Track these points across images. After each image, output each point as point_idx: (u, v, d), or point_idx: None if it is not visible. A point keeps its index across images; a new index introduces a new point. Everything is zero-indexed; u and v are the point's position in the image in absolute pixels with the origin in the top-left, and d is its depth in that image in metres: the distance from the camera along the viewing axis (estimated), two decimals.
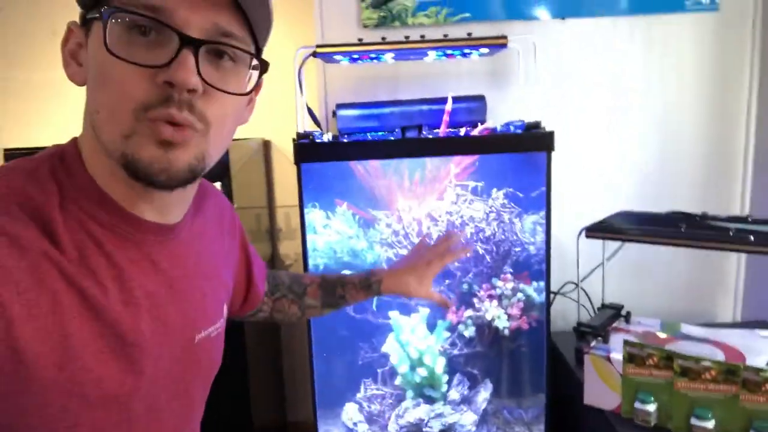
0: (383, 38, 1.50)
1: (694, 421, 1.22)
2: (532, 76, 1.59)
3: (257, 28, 0.59)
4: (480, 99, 1.75)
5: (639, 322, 1.58)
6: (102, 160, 0.57)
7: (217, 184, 2.07)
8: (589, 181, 1.87)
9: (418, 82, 1.85)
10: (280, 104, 2.17)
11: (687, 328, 1.51)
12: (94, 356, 0.53)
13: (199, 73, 0.53)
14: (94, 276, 0.54)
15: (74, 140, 0.60)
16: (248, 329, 1.89)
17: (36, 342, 0.48)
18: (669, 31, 1.82)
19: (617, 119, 1.86)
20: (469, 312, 1.56)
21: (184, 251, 0.65)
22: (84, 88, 0.58)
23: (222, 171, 2.11)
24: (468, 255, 1.52)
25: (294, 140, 1.46)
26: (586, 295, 1.77)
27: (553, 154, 1.66)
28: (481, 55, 1.66)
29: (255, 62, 0.60)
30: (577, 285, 1.60)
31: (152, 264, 0.60)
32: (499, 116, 1.81)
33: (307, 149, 1.37)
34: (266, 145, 2.45)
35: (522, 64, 1.66)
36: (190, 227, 0.67)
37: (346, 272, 1.04)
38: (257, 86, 0.64)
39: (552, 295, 1.79)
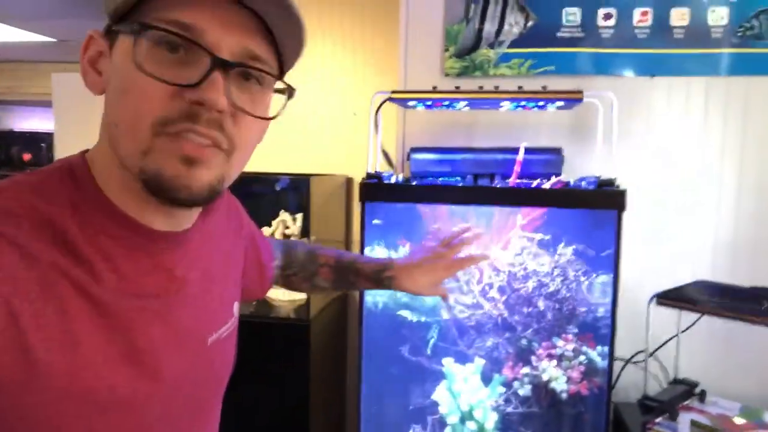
0: (457, 87, 1.52)
1: None
2: (612, 132, 1.54)
3: (285, 54, 0.60)
4: (557, 152, 1.71)
5: (715, 402, 1.44)
6: (116, 173, 0.57)
7: (298, 216, 2.16)
8: (668, 244, 1.76)
9: (496, 130, 1.85)
10: (364, 144, 2.24)
11: None
12: (105, 363, 0.53)
13: (228, 96, 0.54)
14: (103, 287, 0.54)
15: (83, 154, 0.60)
16: (314, 360, 1.93)
17: (47, 351, 0.49)
18: None
19: (705, 184, 1.75)
20: (526, 369, 1.50)
21: (196, 254, 0.66)
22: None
23: (302, 203, 2.20)
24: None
25: (363, 179, 1.50)
26: (661, 366, 1.64)
27: (632, 213, 1.59)
28: (558, 108, 1.64)
29: (280, 86, 0.61)
30: (648, 354, 1.49)
31: (166, 271, 0.61)
32: (577, 170, 1.76)
33: (372, 189, 1.41)
34: (348, 182, 2.53)
35: (601, 120, 1.62)
36: (200, 229, 0.67)
37: (363, 256, 1.04)
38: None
39: (621, 363, 1.68)
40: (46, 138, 5.17)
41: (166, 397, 0.60)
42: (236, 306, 0.76)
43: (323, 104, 2.45)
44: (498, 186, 1.45)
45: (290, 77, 0.64)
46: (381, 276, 0.99)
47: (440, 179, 1.70)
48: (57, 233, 0.53)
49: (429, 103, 1.56)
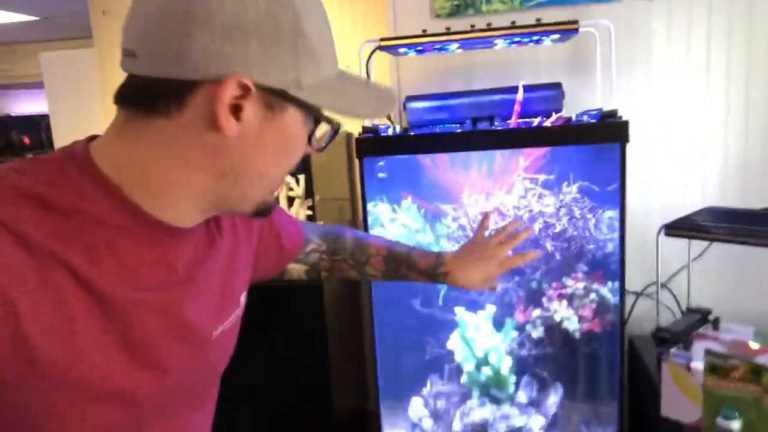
0: (448, 28, 1.46)
1: None
2: (611, 61, 1.48)
3: None
4: (556, 87, 1.66)
5: (729, 329, 1.43)
6: (159, 183, 0.57)
7: (301, 177, 2.13)
8: (676, 174, 1.72)
9: (492, 70, 1.79)
10: None
11: None
12: (101, 353, 0.53)
13: None
14: (102, 275, 0.53)
15: (86, 141, 0.58)
16: (329, 318, 1.94)
17: (45, 340, 0.49)
18: None
19: (708, 107, 1.69)
20: (538, 312, 1.49)
21: (201, 250, 0.65)
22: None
23: (304, 164, 2.17)
24: (538, 256, 1.45)
25: (359, 134, 1.47)
26: (674, 296, 1.64)
27: (636, 145, 1.54)
28: (553, 41, 1.57)
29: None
30: (659, 285, 1.48)
31: (168, 265, 0.60)
32: (578, 104, 1.71)
33: (367, 144, 1.38)
34: (348, 138, 2.49)
35: (599, 50, 1.56)
36: (206, 225, 0.67)
37: (414, 249, 1.00)
38: None
39: (634, 297, 1.68)
40: (43, 120, 5.16)
41: (164, 388, 0.60)
42: (243, 295, 0.76)
43: None
44: (496, 128, 1.41)
45: None
46: (436, 272, 0.97)
47: (438, 127, 1.66)
48: (60, 221, 0.52)
49: (420, 48, 1.51)
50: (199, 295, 0.64)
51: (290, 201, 2.16)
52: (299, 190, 2.14)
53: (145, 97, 0.54)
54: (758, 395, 1.14)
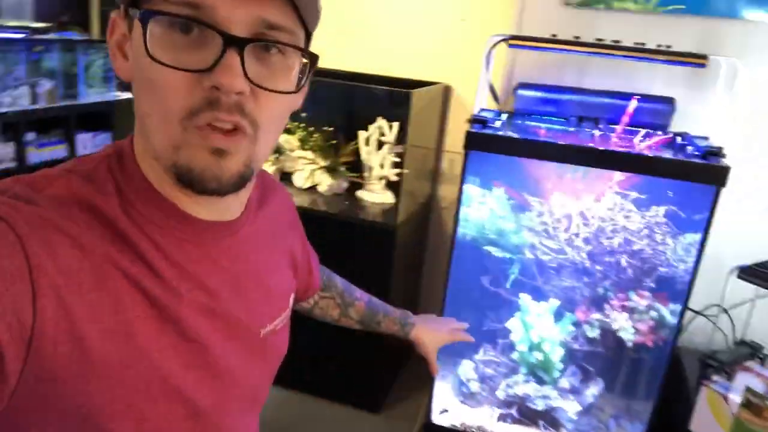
0: (576, 37, 1.49)
1: None
2: (731, 94, 1.49)
3: (305, 14, 0.54)
4: (668, 101, 1.68)
5: None
6: (152, 162, 0.56)
7: (395, 124, 2.19)
8: (753, 212, 1.74)
9: (607, 71, 1.80)
10: (467, 52, 2.19)
11: None
12: (159, 353, 0.54)
13: (246, 74, 0.50)
14: (155, 275, 0.54)
15: (131, 138, 0.59)
16: (397, 262, 2.09)
17: (102, 341, 0.50)
18: None
19: None
20: (598, 315, 1.62)
21: (245, 247, 0.65)
22: None
23: (402, 113, 2.23)
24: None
25: (468, 121, 1.55)
26: (730, 319, 1.72)
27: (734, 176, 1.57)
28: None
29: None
30: (720, 310, 1.57)
31: (213, 262, 0.60)
32: (689, 120, 1.72)
33: (477, 139, 1.46)
34: (446, 91, 2.52)
35: (722, 79, 1.56)
36: (251, 222, 0.67)
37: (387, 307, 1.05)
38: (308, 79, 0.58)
39: (692, 314, 1.77)
40: None
41: (217, 387, 0.61)
42: (291, 297, 0.76)
43: (430, 8, 2.38)
44: (601, 149, 1.46)
45: None
46: (406, 321, 1.04)
47: (544, 118, 1.73)
48: (108, 224, 0.53)
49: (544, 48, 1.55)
50: (245, 293, 0.64)
51: (380, 145, 2.24)
52: (391, 136, 2.20)
53: None
54: None
